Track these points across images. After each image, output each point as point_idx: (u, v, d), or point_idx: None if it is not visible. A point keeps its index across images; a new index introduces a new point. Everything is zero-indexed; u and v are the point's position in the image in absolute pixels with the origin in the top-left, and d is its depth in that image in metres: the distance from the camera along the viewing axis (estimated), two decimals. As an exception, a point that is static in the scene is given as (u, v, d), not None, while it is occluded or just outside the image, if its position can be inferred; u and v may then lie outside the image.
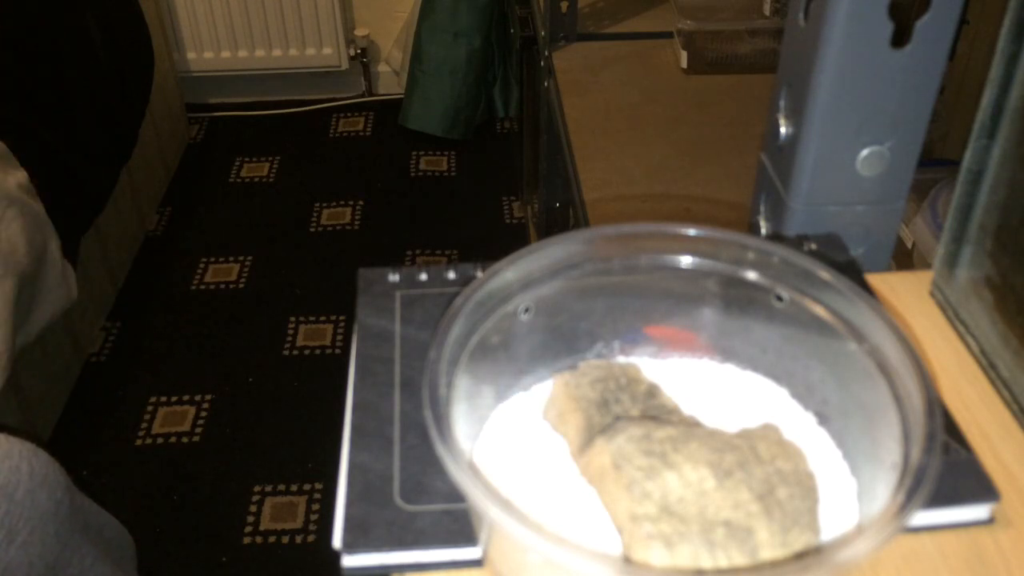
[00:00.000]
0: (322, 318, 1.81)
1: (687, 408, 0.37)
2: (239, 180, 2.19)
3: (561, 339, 0.40)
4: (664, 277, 0.39)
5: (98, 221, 1.67)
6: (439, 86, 2.20)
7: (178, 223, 2.06)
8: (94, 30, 1.70)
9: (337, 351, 1.74)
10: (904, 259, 0.92)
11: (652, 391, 0.37)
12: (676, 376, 0.41)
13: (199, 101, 2.39)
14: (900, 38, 0.44)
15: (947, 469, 0.38)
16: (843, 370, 0.36)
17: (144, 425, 1.60)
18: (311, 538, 1.43)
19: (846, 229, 0.50)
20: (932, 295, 0.50)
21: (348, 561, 0.35)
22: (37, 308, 1.34)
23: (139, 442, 1.57)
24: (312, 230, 2.04)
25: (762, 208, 0.53)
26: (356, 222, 2.06)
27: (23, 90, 1.45)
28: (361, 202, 2.11)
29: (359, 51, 2.35)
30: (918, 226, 0.91)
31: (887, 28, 0.44)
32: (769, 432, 0.34)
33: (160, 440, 1.58)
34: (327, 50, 2.29)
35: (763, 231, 0.53)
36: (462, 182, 2.18)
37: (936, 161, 1.07)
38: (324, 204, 2.10)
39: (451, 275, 0.47)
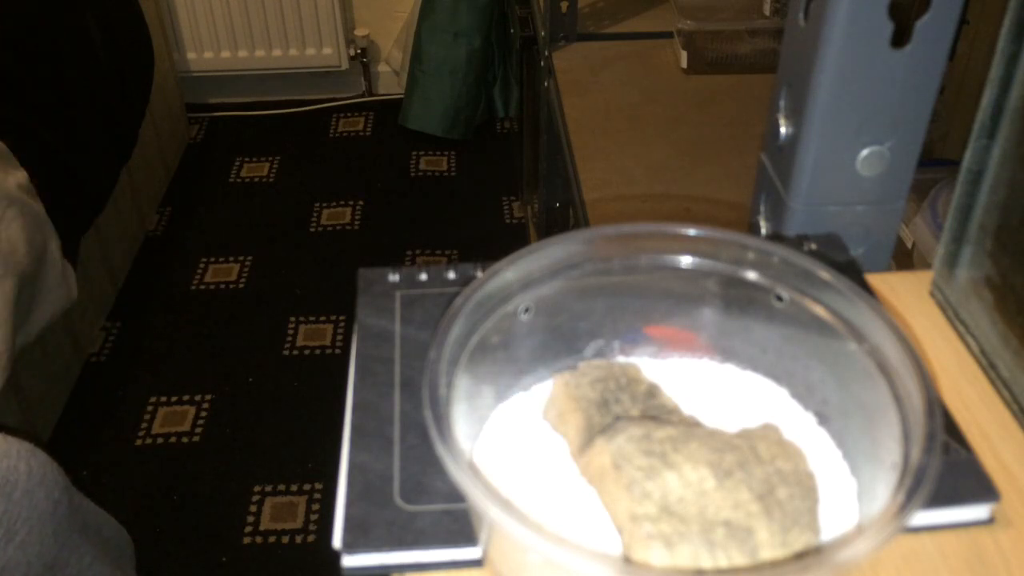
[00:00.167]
0: (322, 318, 1.81)
1: (687, 408, 0.37)
2: (239, 180, 2.19)
3: (561, 339, 0.40)
4: (664, 277, 0.39)
5: (98, 221, 1.67)
6: (439, 86, 2.20)
7: (178, 223, 2.06)
8: (94, 30, 1.70)
9: (337, 351, 1.74)
10: (904, 259, 0.92)
11: (652, 391, 0.37)
12: (676, 376, 0.41)
13: (199, 101, 2.39)
14: (900, 38, 0.44)
15: (947, 469, 0.38)
16: (843, 370, 0.36)
17: (144, 425, 1.60)
18: (311, 538, 1.43)
19: (846, 229, 0.50)
20: (932, 295, 0.50)
21: (348, 561, 0.35)
22: (37, 308, 1.34)
23: (139, 442, 1.57)
24: (312, 230, 2.04)
25: (762, 208, 0.53)
26: (356, 222, 2.06)
27: (23, 90, 1.45)
28: (361, 202, 2.11)
29: (359, 51, 2.35)
30: (918, 226, 0.91)
31: (887, 28, 0.44)
32: (769, 432, 0.34)
33: (160, 440, 1.58)
34: (327, 50, 2.29)
35: (763, 231, 0.53)
36: (462, 182, 2.18)
37: (936, 161, 1.07)
38: (324, 204, 2.10)
39: (451, 275, 0.47)
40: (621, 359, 0.42)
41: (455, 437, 0.31)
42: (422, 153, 2.26)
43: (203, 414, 1.62)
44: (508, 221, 2.08)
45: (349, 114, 2.40)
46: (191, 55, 2.28)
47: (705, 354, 0.41)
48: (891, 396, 0.33)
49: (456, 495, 0.36)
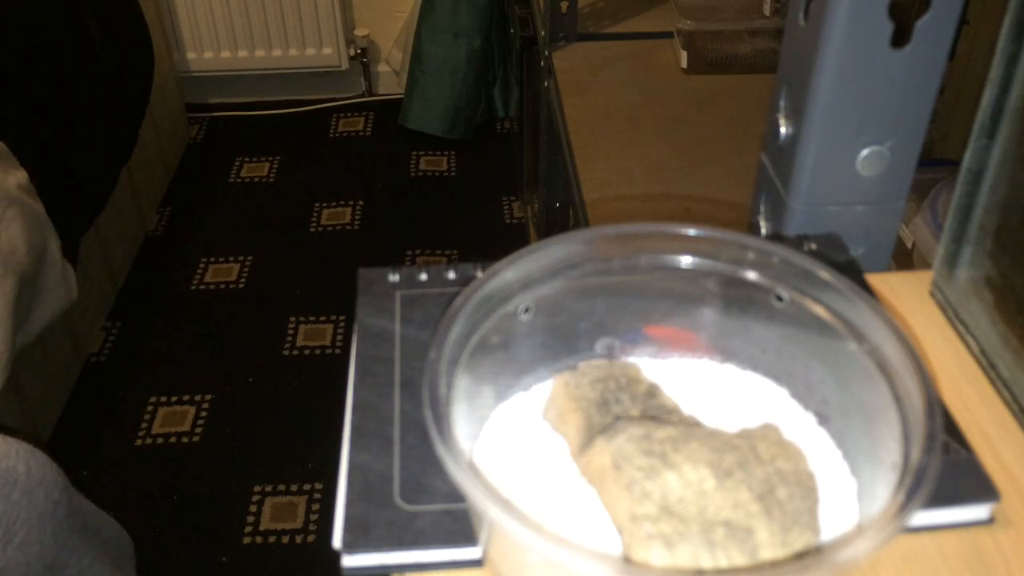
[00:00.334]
0: (322, 318, 1.81)
1: (687, 408, 0.37)
2: (239, 180, 2.19)
3: (561, 339, 0.40)
4: (664, 277, 0.39)
5: (98, 221, 1.67)
6: (439, 86, 2.20)
7: (178, 223, 2.06)
8: (94, 30, 1.70)
9: (337, 351, 1.74)
10: (904, 259, 0.92)
11: (652, 391, 0.37)
12: (676, 376, 0.41)
13: (199, 101, 2.39)
14: (900, 38, 0.44)
15: (947, 469, 0.38)
16: (843, 370, 0.36)
17: (144, 425, 1.60)
18: (311, 538, 1.43)
19: (846, 229, 0.50)
20: (932, 295, 0.50)
21: (348, 561, 0.35)
22: (37, 308, 1.34)
23: (139, 442, 1.57)
24: (312, 230, 2.04)
25: (762, 208, 0.53)
26: (356, 222, 2.06)
27: (23, 90, 1.45)
28: (361, 202, 2.11)
29: (359, 51, 2.35)
30: (918, 226, 0.91)
31: (887, 28, 0.44)
32: (769, 432, 0.34)
33: (160, 440, 1.58)
34: (327, 50, 2.29)
35: (763, 231, 0.53)
36: (462, 182, 2.18)
37: (936, 161, 1.07)
38: (324, 204, 2.10)
39: (451, 275, 0.47)
40: (621, 359, 0.42)
41: (455, 437, 0.31)
42: (422, 153, 2.26)
43: (203, 414, 1.62)
44: (508, 221, 2.08)
45: (349, 114, 2.40)
46: (191, 55, 2.28)
47: (705, 354, 0.41)
48: (891, 396, 0.33)
49: (456, 495, 0.36)
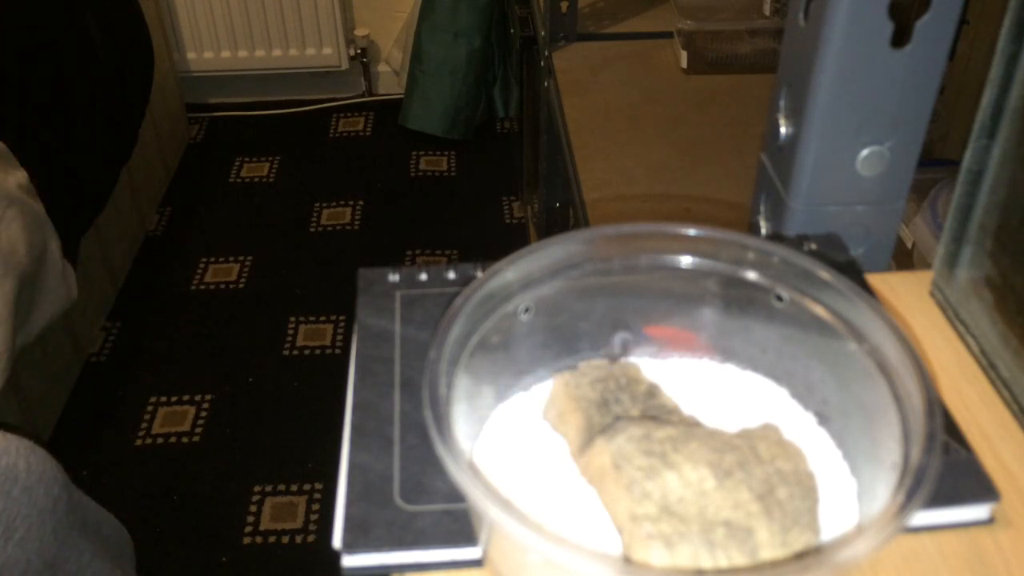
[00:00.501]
0: (322, 318, 1.81)
1: (687, 408, 0.37)
2: (239, 180, 2.19)
3: (561, 339, 0.40)
4: (664, 277, 0.39)
5: (98, 221, 1.67)
6: (439, 86, 2.20)
7: (178, 223, 2.06)
8: (94, 30, 1.70)
9: (337, 351, 1.74)
10: (904, 259, 0.92)
11: (652, 391, 0.37)
12: (676, 376, 0.41)
13: (199, 101, 2.39)
14: (900, 38, 0.44)
15: (947, 469, 0.38)
16: (843, 370, 0.36)
17: (144, 425, 1.60)
18: (311, 538, 1.43)
19: (846, 229, 0.50)
20: (932, 295, 0.50)
21: (348, 561, 0.35)
22: (37, 308, 1.34)
23: (139, 442, 1.57)
24: (312, 230, 2.04)
25: (762, 208, 0.53)
26: (356, 222, 2.06)
27: (23, 90, 1.45)
28: (361, 202, 2.11)
29: (359, 51, 2.35)
30: (918, 226, 0.91)
31: (887, 28, 0.44)
32: (769, 432, 0.34)
33: (160, 440, 1.58)
34: (327, 50, 2.29)
35: (763, 231, 0.53)
36: (462, 182, 2.18)
37: (936, 161, 1.07)
38: (324, 204, 2.10)
39: (451, 275, 0.47)
40: (621, 359, 0.42)
41: (455, 437, 0.31)
42: (422, 153, 2.26)
43: (203, 414, 1.62)
44: (508, 221, 2.08)
45: (349, 114, 2.40)
46: (191, 55, 2.28)
47: (705, 354, 0.41)
48: (891, 396, 0.33)
49: (456, 495, 0.36)
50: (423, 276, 0.47)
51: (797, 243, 0.49)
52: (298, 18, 2.24)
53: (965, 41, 1.16)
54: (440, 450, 0.30)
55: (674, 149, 1.19)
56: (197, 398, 1.65)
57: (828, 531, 0.32)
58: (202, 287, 1.89)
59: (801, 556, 0.30)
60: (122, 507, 1.37)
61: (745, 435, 0.34)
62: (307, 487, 1.50)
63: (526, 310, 0.38)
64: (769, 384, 0.40)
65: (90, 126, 1.63)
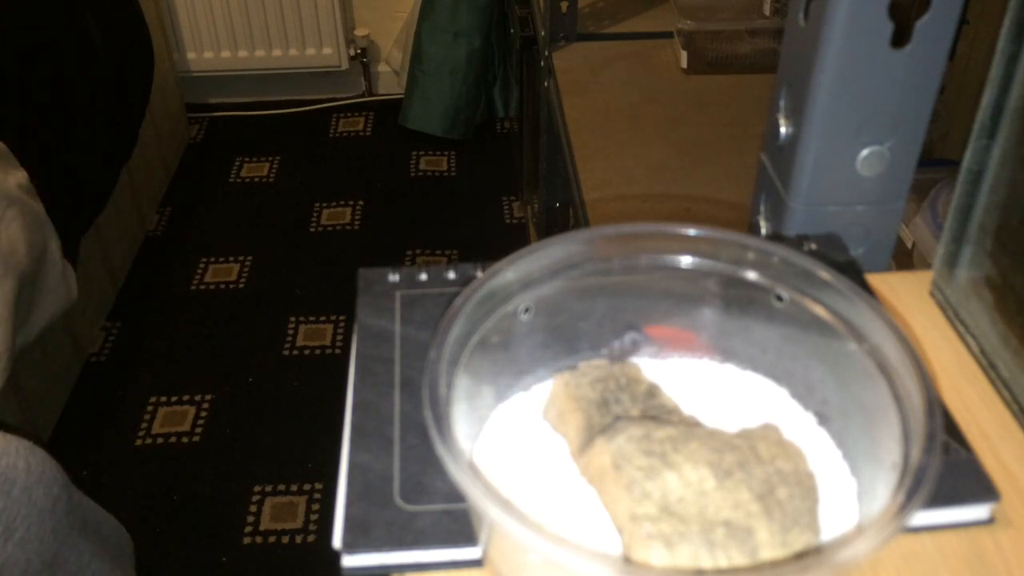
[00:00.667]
0: (322, 318, 1.81)
1: (687, 408, 0.37)
2: (239, 180, 2.19)
3: (561, 339, 0.40)
4: (664, 277, 0.39)
5: (98, 221, 1.67)
6: (439, 86, 2.20)
7: (178, 223, 2.06)
8: (94, 30, 1.70)
9: (337, 351, 1.74)
10: (904, 259, 0.92)
11: (652, 391, 0.37)
12: (676, 376, 0.41)
13: (199, 101, 2.39)
14: (900, 38, 0.44)
15: (947, 469, 0.38)
16: (843, 370, 0.36)
17: (144, 425, 1.60)
18: (311, 538, 1.43)
19: (846, 229, 0.50)
20: (932, 295, 0.50)
21: (348, 561, 0.35)
22: (37, 308, 1.34)
23: (139, 442, 1.57)
24: (312, 230, 2.04)
25: (762, 208, 0.53)
26: (356, 222, 2.06)
27: (23, 90, 1.45)
28: (361, 202, 2.11)
29: (359, 51, 2.35)
30: (918, 226, 0.91)
31: (887, 28, 0.44)
32: (769, 432, 0.34)
33: (160, 440, 1.58)
34: (327, 50, 2.29)
35: (763, 231, 0.53)
36: (462, 182, 2.18)
37: (936, 161, 1.07)
38: (324, 204, 2.10)
39: (451, 275, 0.47)
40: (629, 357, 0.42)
41: (455, 437, 0.31)
42: (422, 153, 2.26)
43: (203, 414, 1.62)
44: (508, 221, 2.08)
45: (349, 114, 2.40)
46: (191, 55, 2.28)
47: (705, 354, 0.41)
48: (891, 396, 0.33)
49: (456, 495, 0.36)
50: (423, 276, 0.47)
51: (797, 243, 0.49)
52: (298, 18, 2.24)
53: (965, 41, 1.16)
54: (440, 450, 0.30)
55: (674, 149, 1.19)
56: (197, 398, 1.65)
57: (828, 531, 0.32)
58: (202, 287, 1.89)
59: (801, 556, 0.30)
60: (122, 507, 1.37)
61: (745, 435, 0.34)
62: (307, 487, 1.50)
63: (526, 310, 0.38)
64: (769, 384, 0.40)
65: (90, 126, 1.63)
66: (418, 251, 1.98)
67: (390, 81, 2.45)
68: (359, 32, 2.33)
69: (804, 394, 0.39)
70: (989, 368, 0.45)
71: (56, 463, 0.92)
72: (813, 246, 0.49)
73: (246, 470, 1.53)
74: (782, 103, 0.49)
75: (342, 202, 2.11)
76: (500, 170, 2.21)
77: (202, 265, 1.94)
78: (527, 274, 0.37)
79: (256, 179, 2.19)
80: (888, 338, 0.34)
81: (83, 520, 0.96)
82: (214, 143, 2.31)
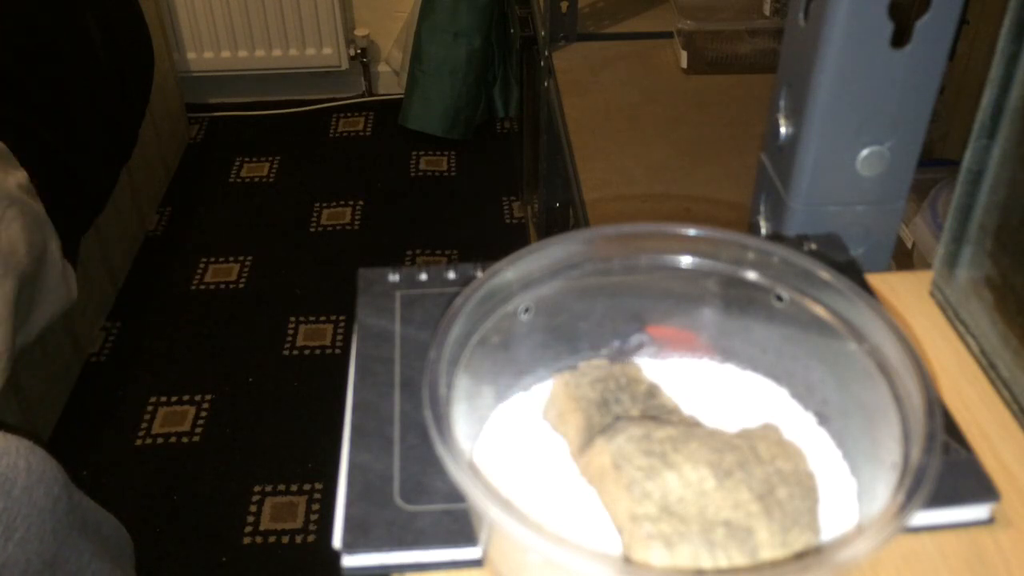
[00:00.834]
0: (322, 318, 1.81)
1: (687, 408, 0.37)
2: (239, 180, 2.19)
3: (561, 339, 0.40)
4: (664, 277, 0.39)
5: (98, 221, 1.67)
6: (439, 86, 2.20)
7: (178, 223, 2.06)
8: (94, 30, 1.70)
9: (337, 351, 1.74)
10: (904, 259, 0.92)
11: (652, 391, 0.37)
12: (676, 376, 0.41)
13: (199, 101, 2.39)
14: (900, 38, 0.44)
15: (947, 469, 0.38)
16: (843, 370, 0.36)
17: (144, 425, 1.60)
18: (311, 538, 1.43)
19: (846, 229, 0.50)
20: (932, 295, 0.50)
21: (348, 561, 0.35)
22: (37, 308, 1.34)
23: (139, 442, 1.57)
24: (312, 230, 2.04)
25: (762, 208, 0.53)
26: (356, 222, 2.06)
27: (23, 90, 1.45)
28: (361, 202, 2.11)
29: (359, 51, 2.35)
30: (918, 226, 0.91)
31: (887, 28, 0.44)
32: (769, 432, 0.34)
33: (160, 440, 1.58)
34: (327, 50, 2.29)
35: (763, 231, 0.53)
36: (462, 182, 2.18)
37: (936, 161, 1.07)
38: (324, 204, 2.11)
39: (451, 275, 0.47)
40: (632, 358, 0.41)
41: (455, 437, 0.31)
42: (422, 153, 2.26)
43: (203, 414, 1.62)
44: (508, 221, 2.08)
45: (349, 114, 2.40)
46: (191, 55, 2.28)
47: (705, 354, 0.41)
48: (891, 396, 0.33)
49: (456, 495, 0.36)
50: (423, 276, 0.47)
51: (797, 243, 0.49)
52: (298, 18, 2.24)
53: (965, 41, 1.16)
54: (440, 450, 0.30)
55: (674, 149, 1.19)
56: (197, 398, 1.65)
57: (828, 531, 0.32)
58: (202, 287, 1.89)
59: (801, 556, 0.30)
60: (122, 507, 1.37)
61: (745, 435, 0.34)
62: (307, 487, 1.50)
63: (526, 310, 0.38)
64: (769, 384, 0.40)
65: (90, 126, 1.63)
66: (418, 251, 1.98)
67: (390, 81, 2.45)
68: (359, 32, 2.33)
69: (804, 394, 0.39)
70: (989, 368, 0.45)
71: (56, 463, 0.92)
72: (813, 246, 0.49)
73: (246, 470, 1.53)
74: (782, 103, 0.49)
75: (342, 202, 2.11)
76: (500, 170, 2.21)
77: (202, 265, 1.94)
78: (527, 274, 0.37)
79: (256, 179, 2.19)
80: (888, 338, 0.34)
81: (83, 520, 0.96)
82: (214, 143, 2.31)
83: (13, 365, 1.25)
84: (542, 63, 1.44)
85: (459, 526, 0.36)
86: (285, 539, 1.43)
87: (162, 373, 1.70)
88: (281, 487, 1.50)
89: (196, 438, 1.58)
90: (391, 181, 2.18)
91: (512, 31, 2.03)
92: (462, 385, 0.35)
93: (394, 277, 0.47)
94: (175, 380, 1.69)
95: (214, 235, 2.02)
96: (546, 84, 1.42)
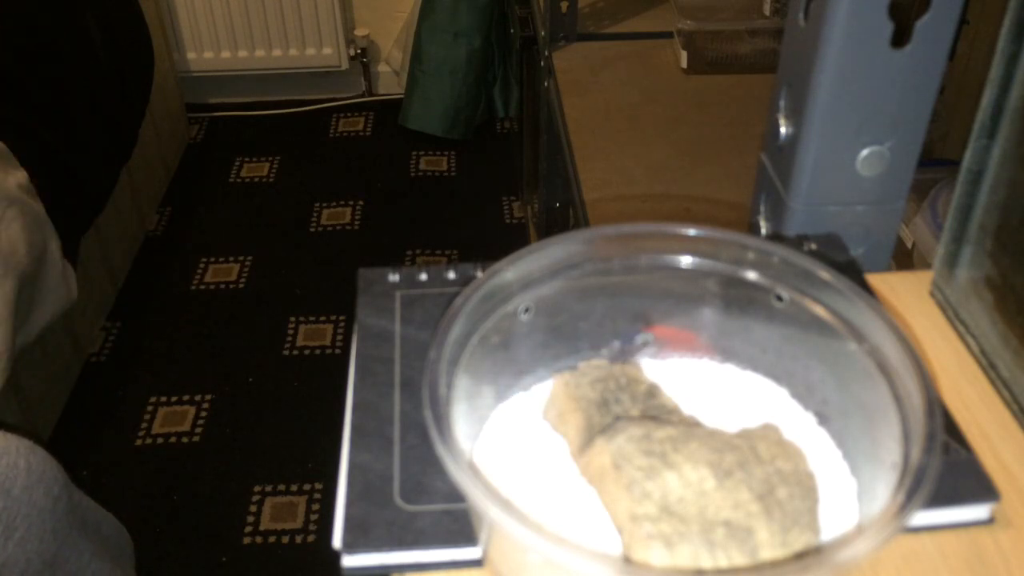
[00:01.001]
0: (322, 318, 1.81)
1: (687, 408, 0.37)
2: (239, 180, 2.19)
3: (561, 339, 0.40)
4: (664, 277, 0.39)
5: (98, 221, 1.67)
6: (439, 86, 2.20)
7: (178, 223, 2.06)
8: (94, 30, 1.70)
9: (337, 351, 1.74)
10: (904, 259, 0.92)
11: (652, 391, 0.37)
12: (676, 376, 0.41)
13: (199, 101, 2.39)
14: (900, 38, 0.44)
15: (947, 469, 0.38)
16: (843, 370, 0.36)
17: (144, 425, 1.60)
18: (311, 538, 1.43)
19: (846, 229, 0.50)
20: (932, 295, 0.50)
21: (348, 561, 0.35)
22: (37, 308, 1.34)
23: (139, 442, 1.57)
24: (312, 230, 2.04)
25: (762, 208, 0.53)
26: (356, 222, 2.06)
27: (23, 90, 1.45)
28: (361, 202, 2.11)
29: (359, 51, 2.35)
30: (918, 226, 0.91)
31: (887, 28, 0.44)
32: (769, 432, 0.34)
33: (160, 440, 1.58)
34: (327, 50, 2.29)
35: (763, 231, 0.53)
36: (462, 182, 2.18)
37: (936, 161, 1.07)
38: (324, 204, 2.11)
39: (451, 275, 0.47)
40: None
41: (455, 437, 0.31)
42: (422, 153, 2.26)
43: (203, 414, 1.62)
44: (508, 221, 2.08)
45: (349, 114, 2.40)
46: (191, 55, 2.28)
47: (705, 354, 0.41)
48: (891, 396, 0.33)
49: (456, 495, 0.36)
50: (423, 276, 0.47)
51: (797, 243, 0.49)
52: (298, 18, 2.24)
53: (965, 41, 1.16)
54: (440, 450, 0.30)
55: (674, 149, 1.19)
56: (197, 398, 1.65)
57: (828, 531, 0.32)
58: (202, 287, 1.89)
59: (801, 556, 0.30)
60: (122, 507, 1.37)
61: (745, 435, 0.34)
62: (307, 487, 1.50)
63: (526, 310, 0.38)
64: (769, 384, 0.40)
65: (90, 126, 1.63)
66: (418, 251, 1.98)
67: (390, 81, 2.45)
68: (359, 32, 2.33)
69: (804, 394, 0.39)
70: (989, 368, 0.45)
71: (56, 463, 0.92)
72: (813, 246, 0.49)
73: (246, 470, 1.53)
74: (782, 103, 0.49)
75: (342, 202, 2.11)
76: (500, 170, 2.21)
77: (202, 265, 1.94)
78: (527, 274, 0.37)
79: (256, 179, 2.19)
80: (888, 338, 0.34)
81: (83, 520, 0.96)
82: (214, 143, 2.31)
83: (13, 365, 1.25)
84: (542, 63, 1.44)
85: (459, 526, 0.36)
86: (285, 539, 1.43)
87: (162, 373, 1.70)
88: (281, 487, 1.50)
89: (196, 438, 1.58)
90: (391, 181, 2.18)
91: (512, 31, 2.03)
92: (462, 385, 0.35)
93: (394, 277, 0.47)
94: (175, 380, 1.69)
95: (214, 235, 2.02)
96: (546, 84, 1.42)
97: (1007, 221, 0.45)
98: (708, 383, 0.40)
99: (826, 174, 0.48)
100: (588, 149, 1.19)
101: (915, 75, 0.45)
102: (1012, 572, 0.36)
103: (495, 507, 0.28)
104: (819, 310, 0.37)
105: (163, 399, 1.65)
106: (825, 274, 0.36)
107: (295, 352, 1.74)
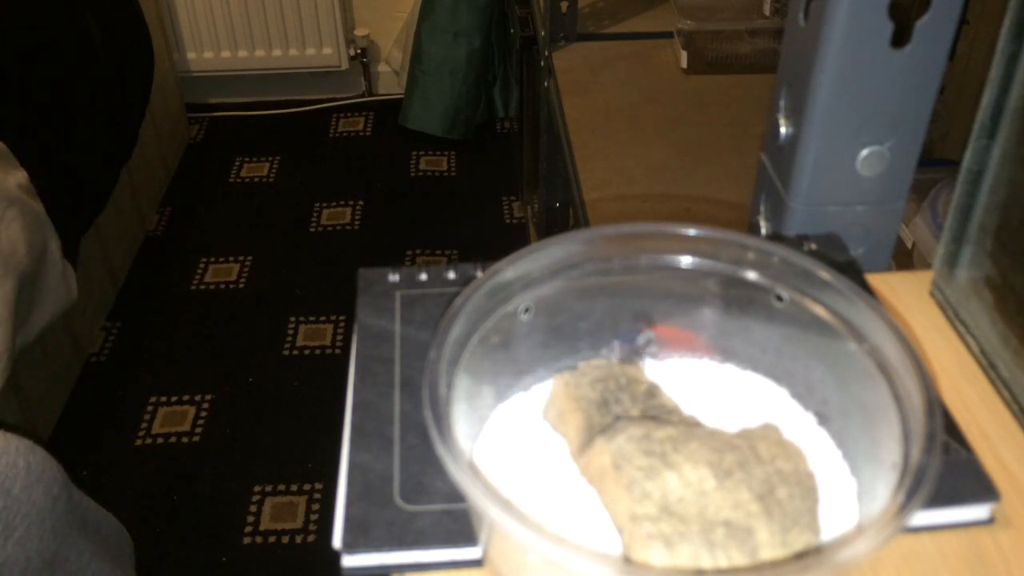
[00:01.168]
0: (322, 318, 1.81)
1: (687, 408, 0.37)
2: (239, 180, 2.19)
3: (561, 339, 0.40)
4: (664, 277, 0.39)
5: (98, 221, 1.67)
6: (439, 86, 2.20)
7: (178, 223, 2.06)
8: (94, 30, 1.70)
9: (337, 351, 1.74)
10: (904, 259, 0.92)
11: (652, 391, 0.37)
12: (676, 376, 0.41)
13: (199, 101, 2.39)
14: (900, 38, 0.44)
15: (947, 469, 0.38)
16: (843, 370, 0.36)
17: (144, 425, 1.60)
18: (311, 538, 1.43)
19: (846, 229, 0.50)
20: (932, 295, 0.50)
21: (348, 561, 0.35)
22: (37, 308, 1.34)
23: (139, 442, 1.57)
24: (312, 230, 2.04)
25: (762, 208, 0.53)
26: (356, 222, 2.06)
27: (23, 90, 1.45)
28: (361, 202, 2.11)
29: (359, 51, 2.35)
30: (918, 226, 0.91)
31: (887, 28, 0.44)
32: (769, 432, 0.34)
33: (160, 440, 1.58)
34: (327, 50, 2.29)
35: (763, 231, 0.53)
36: (462, 182, 2.18)
37: (936, 161, 1.07)
38: (324, 204, 2.11)
39: (451, 275, 0.47)
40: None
41: (455, 437, 0.31)
42: (422, 153, 2.26)
43: (203, 414, 1.62)
44: (508, 221, 2.08)
45: (349, 114, 2.40)
46: (191, 55, 2.28)
47: (705, 354, 0.41)
48: (891, 396, 0.33)
49: (456, 495, 0.36)
50: (423, 276, 0.47)
51: (797, 243, 0.49)
52: (298, 18, 2.24)
53: (965, 41, 1.16)
54: (440, 450, 0.30)
55: (674, 149, 1.19)
56: (197, 398, 1.65)
57: (828, 531, 0.32)
58: (202, 287, 1.89)
59: (801, 556, 0.30)
60: (122, 507, 1.37)
61: (745, 435, 0.34)
62: (307, 487, 1.50)
63: (526, 310, 0.38)
64: (769, 384, 0.40)
65: (90, 126, 1.63)
66: (418, 251, 1.98)
67: (390, 81, 2.45)
68: (359, 32, 2.33)
69: (804, 394, 0.39)
70: (989, 368, 0.45)
71: (56, 462, 0.92)
72: (813, 246, 0.49)
73: (246, 470, 1.53)
74: (782, 103, 0.49)
75: (342, 202, 2.11)
76: (500, 170, 2.21)
77: (202, 265, 1.94)
78: (527, 274, 0.37)
79: (256, 179, 2.19)
80: (888, 338, 0.34)
81: (83, 520, 0.96)
82: (214, 143, 2.31)
83: (13, 365, 1.25)
84: (542, 63, 1.44)
85: (459, 526, 0.36)
86: (285, 539, 1.43)
87: (162, 373, 1.70)
88: (281, 487, 1.50)
89: (196, 438, 1.58)
90: (391, 181, 2.18)
91: (512, 31, 2.03)
92: (462, 385, 0.35)
93: (394, 277, 0.47)
94: (175, 380, 1.69)
95: (214, 235, 2.02)
96: (546, 84, 1.42)
97: (1007, 221, 0.45)
98: (708, 383, 0.40)
99: (826, 174, 0.48)
100: (588, 149, 1.19)
101: (915, 75, 0.45)
102: (1012, 572, 0.36)
103: (495, 507, 0.28)
104: (819, 310, 0.37)
105: (163, 399, 1.65)
106: (825, 274, 0.36)
107: (295, 352, 1.74)
